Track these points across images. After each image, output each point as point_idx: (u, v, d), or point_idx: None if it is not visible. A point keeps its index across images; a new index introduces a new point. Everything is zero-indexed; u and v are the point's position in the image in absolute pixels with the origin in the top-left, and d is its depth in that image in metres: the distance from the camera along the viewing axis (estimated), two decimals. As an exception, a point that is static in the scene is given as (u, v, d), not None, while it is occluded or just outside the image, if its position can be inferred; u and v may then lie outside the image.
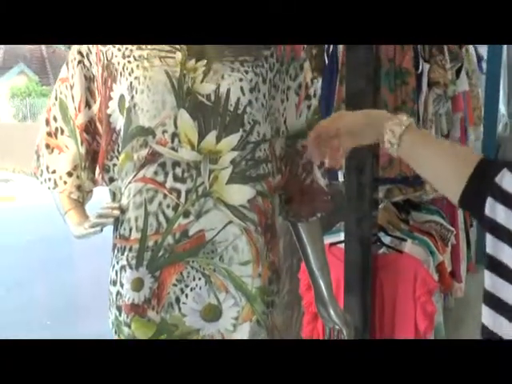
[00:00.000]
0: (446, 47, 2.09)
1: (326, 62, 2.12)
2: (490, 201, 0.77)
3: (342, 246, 1.92)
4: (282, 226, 1.28)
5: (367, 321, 1.84)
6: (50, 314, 4.09)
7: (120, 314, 1.12)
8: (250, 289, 1.12)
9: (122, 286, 1.12)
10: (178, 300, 1.11)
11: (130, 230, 1.11)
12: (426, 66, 2.05)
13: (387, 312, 1.96)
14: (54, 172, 1.23)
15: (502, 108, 3.89)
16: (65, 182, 1.22)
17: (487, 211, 0.77)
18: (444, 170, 0.86)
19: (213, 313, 1.11)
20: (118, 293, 1.13)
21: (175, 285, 1.10)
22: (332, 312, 1.28)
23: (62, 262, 5.47)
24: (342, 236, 1.96)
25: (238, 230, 1.10)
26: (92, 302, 4.18)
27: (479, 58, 3.07)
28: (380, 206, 2.12)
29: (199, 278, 1.10)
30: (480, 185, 0.79)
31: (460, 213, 2.76)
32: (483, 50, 3.23)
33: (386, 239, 2.05)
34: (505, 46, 3.66)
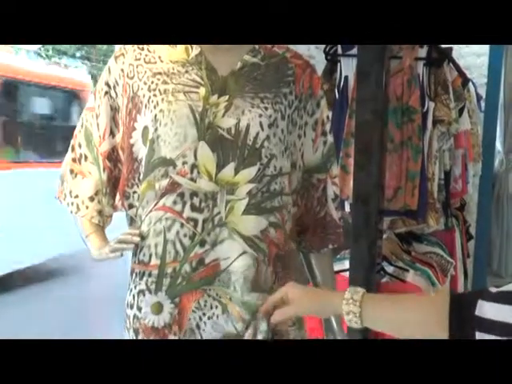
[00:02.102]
0: (450, 87, 2.09)
1: (337, 96, 2.12)
2: (478, 336, 0.73)
3: (346, 274, 1.89)
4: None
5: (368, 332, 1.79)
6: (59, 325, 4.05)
7: (137, 337, 1.10)
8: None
9: (139, 309, 1.10)
10: (198, 327, 1.09)
11: (150, 256, 1.09)
12: (432, 105, 2.05)
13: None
14: (76, 196, 1.22)
15: (498, 145, 3.89)
16: (87, 207, 1.21)
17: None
18: (420, 327, 0.81)
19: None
20: (135, 316, 1.11)
21: (194, 311, 1.08)
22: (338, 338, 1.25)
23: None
24: (346, 264, 1.93)
25: (250, 260, 1.08)
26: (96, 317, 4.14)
27: (478, 98, 3.08)
28: (383, 237, 2.10)
29: (216, 307, 1.08)
30: (464, 328, 0.75)
31: (458, 244, 2.73)
32: (482, 90, 3.24)
33: (389, 269, 2.02)
34: (501, 87, 3.67)
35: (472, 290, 3.20)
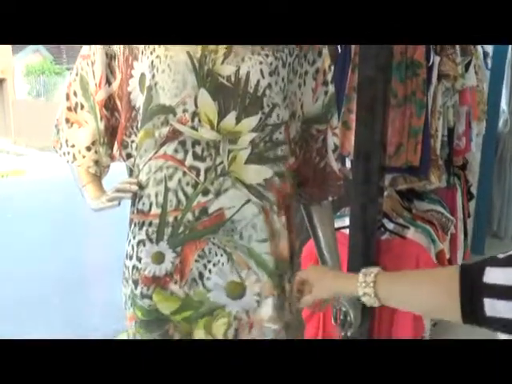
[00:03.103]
0: (457, 41, 2.05)
1: (339, 50, 2.08)
2: (487, 302, 0.74)
3: (346, 231, 1.89)
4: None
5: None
6: (60, 286, 4.09)
7: (136, 288, 1.11)
8: (270, 265, 1.10)
9: (139, 260, 1.10)
10: (201, 276, 1.09)
11: (150, 205, 1.09)
12: (437, 59, 2.01)
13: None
14: (73, 146, 1.21)
15: (503, 104, 3.85)
16: (83, 157, 1.20)
17: (489, 313, 0.74)
18: (433, 300, 0.83)
19: (237, 290, 1.09)
20: (134, 267, 1.11)
21: (197, 261, 1.08)
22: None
23: (71, 233, 5.47)
24: (346, 221, 1.94)
25: (255, 209, 1.08)
26: (101, 274, 4.19)
27: (485, 54, 3.03)
28: (385, 194, 2.10)
29: (221, 255, 1.08)
30: (473, 296, 0.76)
31: (459, 203, 2.73)
32: (489, 47, 3.19)
33: (390, 225, 2.02)
34: (509, 45, 3.61)
35: (471, 249, 3.23)
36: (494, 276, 0.74)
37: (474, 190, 3.25)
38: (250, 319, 1.11)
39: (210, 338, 1.12)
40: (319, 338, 2.04)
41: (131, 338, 1.14)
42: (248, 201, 1.07)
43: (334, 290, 0.99)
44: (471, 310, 0.76)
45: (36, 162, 10.85)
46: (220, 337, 1.11)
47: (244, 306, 1.10)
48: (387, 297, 0.88)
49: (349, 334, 1.27)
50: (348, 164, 2.12)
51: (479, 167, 3.35)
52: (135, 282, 1.11)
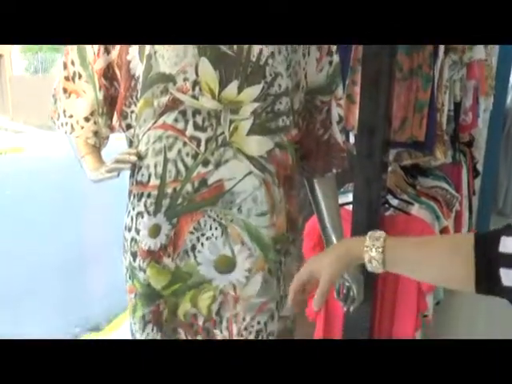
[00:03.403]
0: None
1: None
2: (503, 271, 0.72)
3: (350, 207, 1.89)
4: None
5: (371, 280, 1.82)
6: (62, 264, 4.12)
7: (134, 260, 1.11)
8: (266, 239, 1.10)
9: (137, 232, 1.10)
10: (193, 248, 1.09)
11: (149, 176, 1.08)
12: (445, 30, 1.98)
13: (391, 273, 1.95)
14: (70, 116, 1.19)
15: None
16: (82, 127, 1.19)
17: (505, 282, 0.73)
18: (445, 267, 0.79)
19: (226, 265, 1.10)
20: (133, 239, 1.11)
21: (192, 233, 1.08)
22: None
23: (70, 211, 5.48)
24: (350, 197, 1.93)
25: (257, 181, 1.07)
26: (102, 251, 4.21)
27: (494, 27, 2.98)
28: (389, 169, 2.08)
29: (216, 228, 1.08)
30: (488, 265, 0.74)
31: (465, 180, 2.72)
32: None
33: (394, 202, 2.02)
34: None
35: (476, 227, 3.23)
36: (510, 245, 0.72)
37: (479, 167, 3.24)
38: (236, 294, 1.11)
39: (194, 311, 1.12)
40: (322, 314, 2.06)
41: (131, 311, 1.14)
42: (249, 173, 1.07)
43: (340, 269, 0.90)
44: (486, 280, 0.74)
45: (34, 140, 10.83)
46: (204, 310, 1.12)
47: (232, 281, 1.10)
48: (395, 262, 0.83)
49: (351, 309, 1.28)
50: (352, 139, 2.10)
51: (485, 144, 3.33)
52: (133, 255, 1.11)
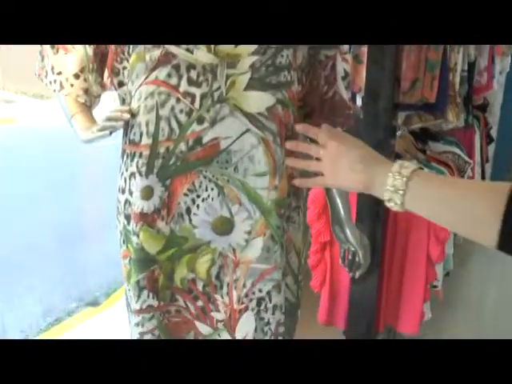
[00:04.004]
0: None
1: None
2: None
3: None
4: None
5: (378, 248, 1.83)
6: (57, 236, 4.14)
7: (128, 223, 1.10)
8: (265, 201, 1.08)
9: (130, 193, 1.09)
10: (188, 211, 1.08)
11: (141, 135, 1.06)
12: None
13: (399, 238, 1.95)
14: (59, 73, 1.17)
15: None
16: (71, 85, 1.17)
17: None
18: (471, 211, 0.71)
19: (224, 226, 1.09)
20: (127, 201, 1.10)
21: (186, 195, 1.07)
22: (348, 232, 1.25)
23: (63, 183, 5.49)
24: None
25: (255, 140, 1.05)
26: (100, 224, 4.23)
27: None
28: (397, 134, 2.07)
29: (212, 189, 1.07)
30: None
31: (477, 146, 2.70)
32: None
33: (402, 167, 2.00)
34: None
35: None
36: None
37: (493, 133, 3.21)
38: (236, 258, 1.11)
39: (192, 276, 1.12)
40: (327, 286, 2.07)
41: (126, 277, 1.14)
42: (247, 130, 1.04)
43: (355, 183, 0.82)
44: (511, 236, 0.68)
45: (27, 110, 10.78)
46: (203, 274, 1.12)
47: (231, 243, 1.10)
48: (419, 198, 0.75)
49: (357, 275, 1.27)
50: (359, 101, 2.07)
51: (500, 109, 3.29)
52: (127, 218, 1.11)
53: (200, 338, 1.18)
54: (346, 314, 1.97)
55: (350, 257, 1.27)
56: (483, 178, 2.90)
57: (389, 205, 0.77)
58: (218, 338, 1.16)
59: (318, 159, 0.90)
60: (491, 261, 3.23)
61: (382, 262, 1.90)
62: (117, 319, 2.72)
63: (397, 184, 0.75)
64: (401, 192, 0.75)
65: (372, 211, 1.82)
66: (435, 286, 2.14)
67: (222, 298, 1.13)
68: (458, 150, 2.32)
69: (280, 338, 1.17)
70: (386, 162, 0.81)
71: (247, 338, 1.14)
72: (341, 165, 0.85)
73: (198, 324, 1.17)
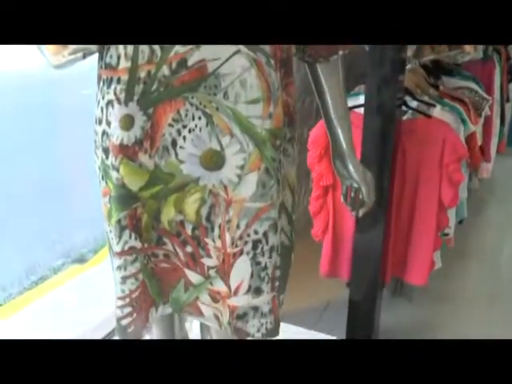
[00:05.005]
0: None
1: None
2: None
3: (361, 110, 1.84)
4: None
5: (385, 191, 1.81)
6: (40, 188, 4.13)
7: (107, 157, 1.08)
8: (259, 131, 1.06)
9: (108, 124, 1.07)
10: (174, 143, 1.06)
11: (118, 57, 1.03)
12: None
13: (409, 184, 1.94)
14: None
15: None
16: None
17: None
18: None
19: (214, 160, 1.06)
20: (104, 132, 1.08)
21: (171, 125, 1.05)
22: (351, 167, 1.23)
23: (46, 130, 5.44)
24: (361, 99, 1.88)
25: (246, 62, 1.02)
26: (85, 176, 4.21)
27: None
28: (407, 67, 2.02)
29: (199, 118, 1.04)
30: None
31: (497, 82, 2.65)
32: None
33: (413, 104, 1.97)
34: None
35: (508, 138, 3.19)
36: None
37: (515, 69, 3.15)
38: (228, 196, 1.09)
39: (180, 217, 1.11)
40: (329, 234, 2.07)
41: (106, 217, 1.13)
42: (237, 51, 1.01)
43: None
44: None
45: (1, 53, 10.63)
46: (192, 216, 1.10)
47: (222, 180, 1.08)
48: None
49: (360, 213, 1.26)
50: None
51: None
52: (105, 151, 1.09)
53: (190, 287, 1.18)
54: (349, 265, 1.97)
55: (352, 194, 1.25)
56: (502, 118, 2.87)
57: None
58: (210, 286, 1.16)
59: None
60: (508, 210, 3.23)
61: (389, 206, 1.88)
62: (105, 277, 2.75)
63: None
64: None
65: (378, 152, 1.79)
66: (447, 234, 2.13)
67: (214, 241, 1.12)
68: (474, 86, 2.27)
69: (277, 282, 1.17)
70: None
71: (243, 284, 1.14)
72: None
73: (187, 272, 1.16)
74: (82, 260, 3.27)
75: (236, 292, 1.15)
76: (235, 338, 1.19)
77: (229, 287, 1.15)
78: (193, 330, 1.58)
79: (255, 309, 1.17)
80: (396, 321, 2.19)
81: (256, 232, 1.11)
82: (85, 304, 2.30)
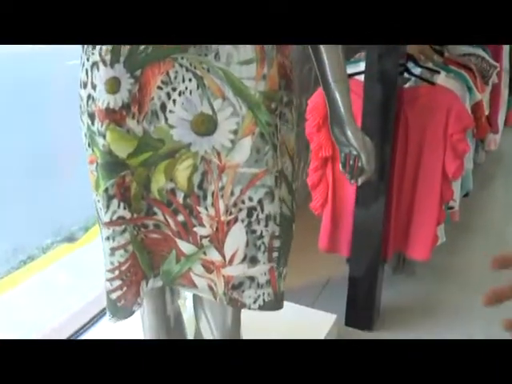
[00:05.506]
0: None
1: None
2: None
3: (362, 77, 1.83)
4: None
5: (386, 162, 1.80)
6: (27, 164, 4.12)
7: (93, 123, 1.07)
8: (253, 93, 1.05)
9: (94, 87, 1.06)
10: (163, 107, 1.05)
11: None
12: None
13: (411, 154, 1.93)
14: None
15: None
16: None
17: None
18: None
19: (206, 125, 1.06)
20: (90, 96, 1.07)
21: (160, 88, 1.04)
22: (349, 133, 1.22)
23: (34, 107, 5.42)
24: (362, 66, 1.87)
25: None
26: (75, 151, 4.20)
27: None
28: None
29: (189, 80, 1.03)
30: None
31: (506, 48, 2.63)
32: None
33: (416, 70, 1.95)
34: None
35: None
36: None
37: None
38: (221, 162, 1.09)
39: (171, 185, 1.11)
40: (329, 207, 2.06)
41: (94, 187, 1.13)
42: None
43: None
44: None
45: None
46: (184, 183, 1.10)
47: (214, 145, 1.07)
48: None
49: (359, 182, 1.26)
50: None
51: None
52: (91, 116, 1.08)
53: (182, 257, 1.18)
54: (350, 239, 1.97)
55: (351, 161, 1.25)
56: (511, 88, 2.85)
57: None
58: (203, 256, 1.16)
59: None
60: (516, 183, 3.24)
61: (391, 178, 1.88)
62: (96, 256, 2.75)
63: None
64: None
65: (379, 121, 1.78)
66: (451, 207, 2.13)
67: (207, 210, 1.12)
68: (481, 52, 2.25)
69: (275, 253, 1.16)
70: None
71: (237, 253, 1.14)
72: None
73: (179, 242, 1.16)
74: (71, 238, 3.26)
75: (231, 261, 1.14)
76: (230, 308, 1.19)
77: (223, 256, 1.14)
78: (187, 308, 1.59)
79: (251, 279, 1.17)
80: (397, 298, 2.19)
81: (251, 199, 1.11)
82: (75, 284, 2.30)
